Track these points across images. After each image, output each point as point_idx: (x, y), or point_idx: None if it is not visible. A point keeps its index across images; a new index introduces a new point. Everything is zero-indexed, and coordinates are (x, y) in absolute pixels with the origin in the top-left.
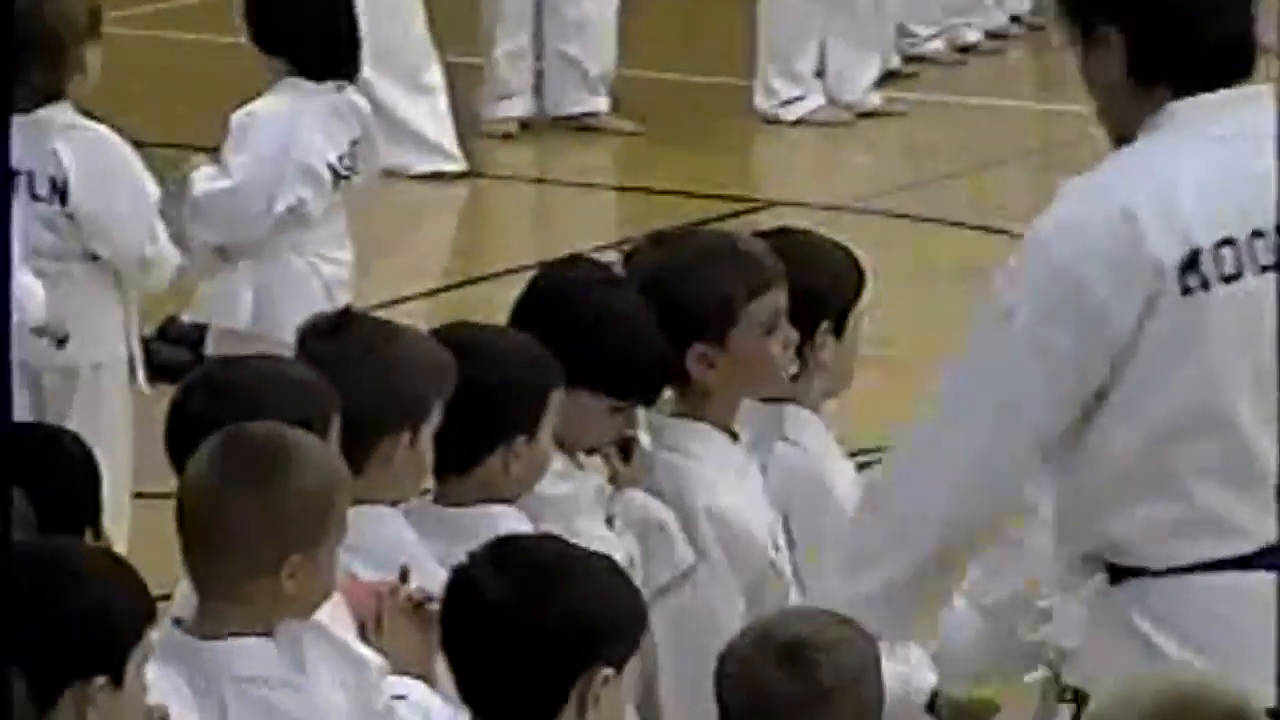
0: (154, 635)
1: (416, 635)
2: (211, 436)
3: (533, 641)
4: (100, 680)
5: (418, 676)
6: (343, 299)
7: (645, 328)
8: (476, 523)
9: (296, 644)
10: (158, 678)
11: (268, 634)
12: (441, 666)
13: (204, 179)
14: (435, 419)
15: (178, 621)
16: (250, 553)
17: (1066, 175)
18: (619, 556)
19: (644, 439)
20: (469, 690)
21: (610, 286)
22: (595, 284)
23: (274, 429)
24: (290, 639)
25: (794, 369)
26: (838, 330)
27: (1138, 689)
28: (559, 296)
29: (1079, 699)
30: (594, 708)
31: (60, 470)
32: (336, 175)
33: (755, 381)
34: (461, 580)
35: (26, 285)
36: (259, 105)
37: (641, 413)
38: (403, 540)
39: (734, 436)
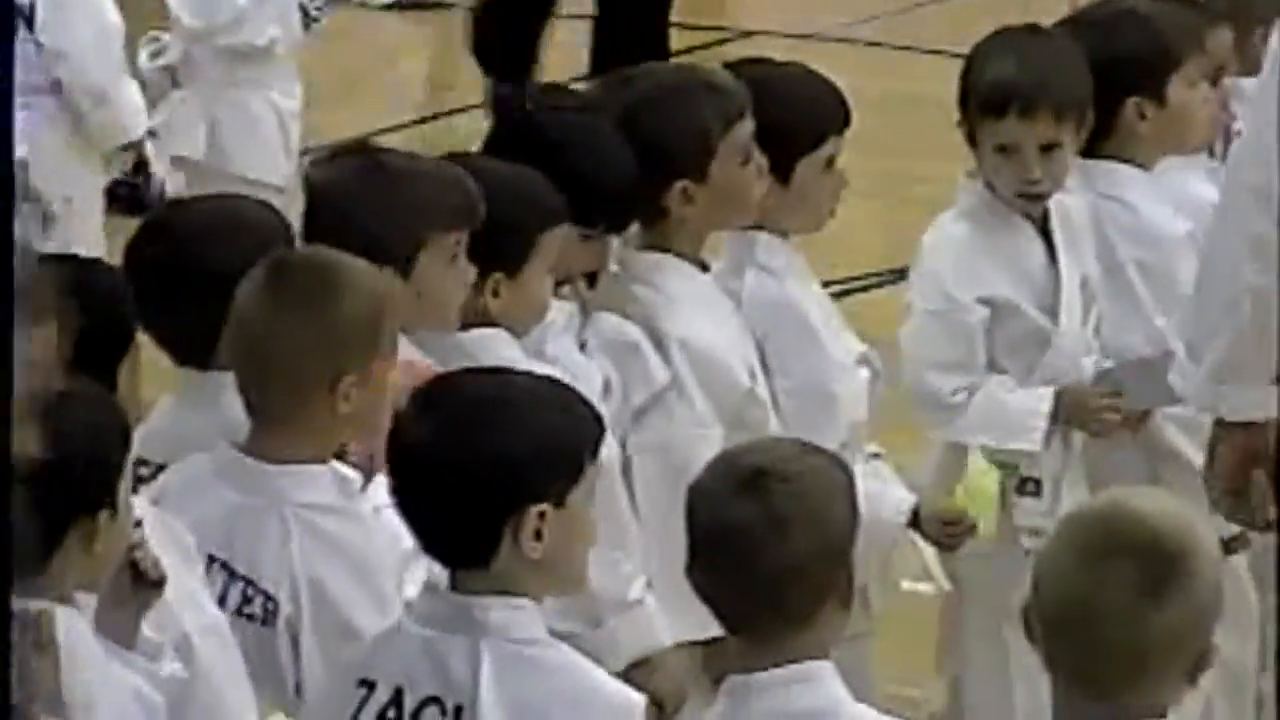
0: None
1: None
2: (258, 265)
3: (451, 484)
4: (105, 514)
5: None
6: (295, 131)
7: (613, 153)
8: (465, 346)
9: (345, 473)
10: (193, 502)
11: (323, 460)
12: None
13: None
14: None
15: (234, 445)
16: (304, 376)
17: (1043, 2)
18: (595, 379)
19: (615, 270)
20: (414, 531)
21: (578, 113)
22: (563, 111)
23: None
24: (340, 468)
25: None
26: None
27: (1080, 505)
28: (526, 125)
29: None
30: (535, 542)
31: (100, 299)
32: (306, 17)
33: (733, 212)
34: (395, 422)
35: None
36: None
37: (614, 245)
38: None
39: (704, 267)
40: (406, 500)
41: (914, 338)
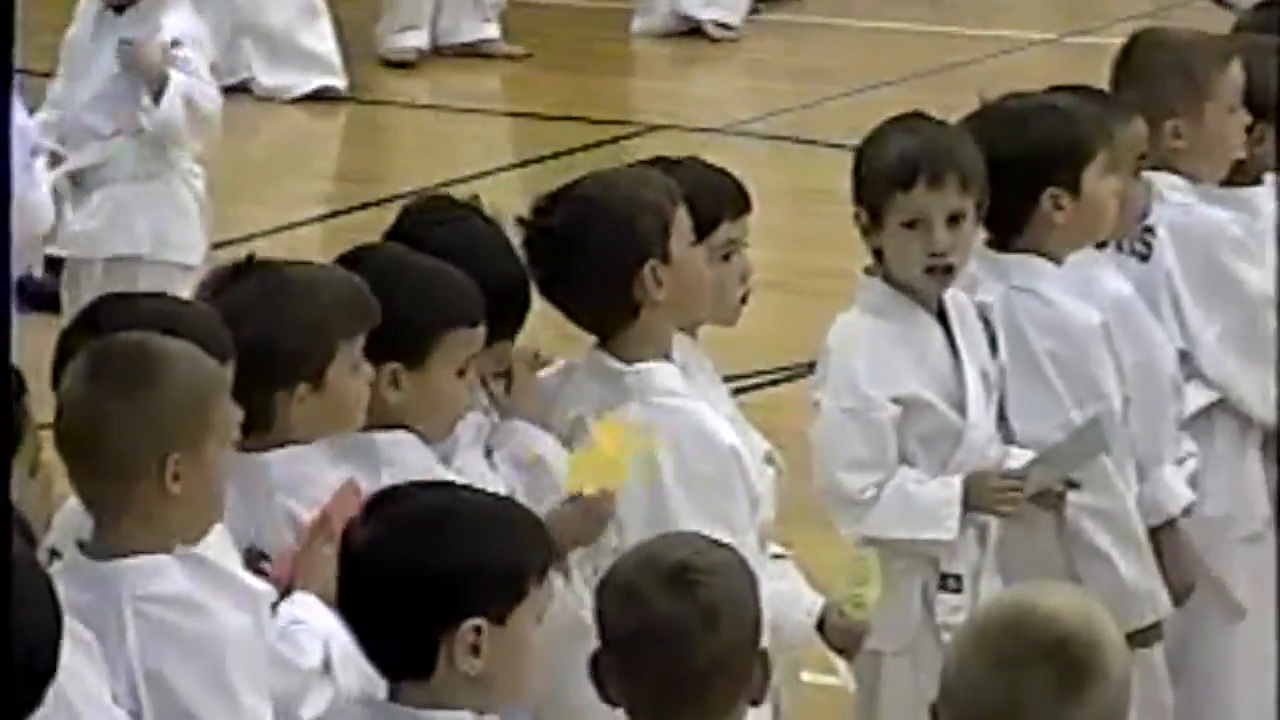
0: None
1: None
2: (79, 353)
3: (388, 594)
4: None
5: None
6: (205, 216)
7: (494, 258)
8: (376, 448)
9: (199, 564)
10: None
11: (166, 549)
12: None
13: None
14: (348, 358)
15: (81, 545)
16: (127, 456)
17: (954, 97)
18: (500, 490)
19: (636, 407)
20: (355, 637)
21: (457, 221)
22: (443, 220)
23: (140, 336)
24: (193, 559)
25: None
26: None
27: (984, 607)
28: (409, 235)
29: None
30: (473, 659)
31: None
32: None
33: (689, 303)
34: (348, 526)
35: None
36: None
37: (634, 372)
38: (326, 476)
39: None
40: (348, 605)
41: (826, 436)
